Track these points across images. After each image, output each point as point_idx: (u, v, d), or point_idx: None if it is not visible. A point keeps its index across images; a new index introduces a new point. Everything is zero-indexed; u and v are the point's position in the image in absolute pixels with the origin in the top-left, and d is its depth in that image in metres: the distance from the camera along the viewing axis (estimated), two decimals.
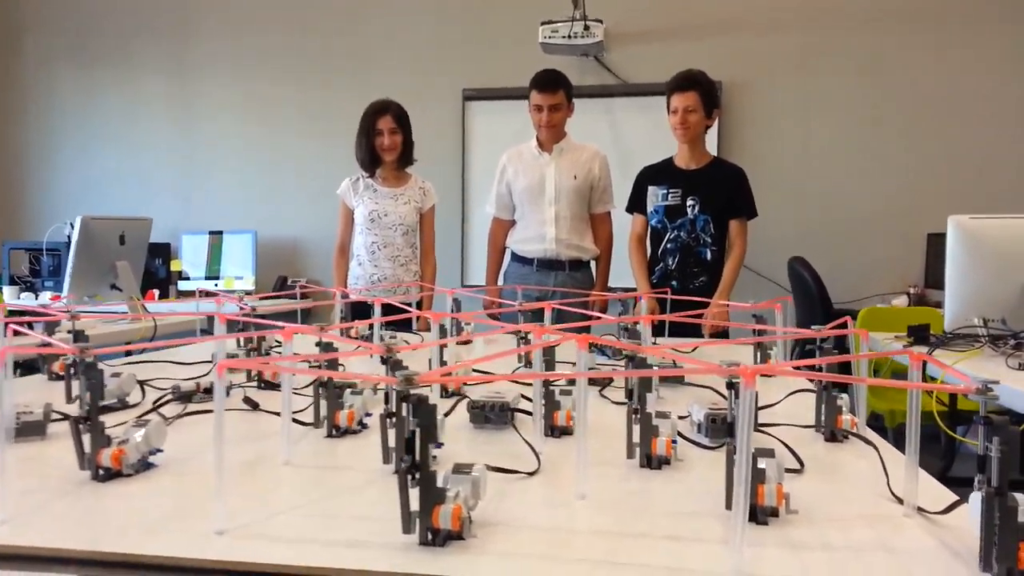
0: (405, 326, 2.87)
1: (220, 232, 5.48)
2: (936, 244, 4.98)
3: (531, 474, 1.09)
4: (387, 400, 1.16)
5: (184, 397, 1.56)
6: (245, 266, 5.40)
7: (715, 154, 3.54)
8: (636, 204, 3.34)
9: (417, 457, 0.81)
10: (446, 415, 1.37)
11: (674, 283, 3.18)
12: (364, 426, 1.34)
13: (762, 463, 0.92)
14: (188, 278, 5.46)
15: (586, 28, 4.50)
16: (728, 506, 0.94)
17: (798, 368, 1.13)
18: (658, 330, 2.70)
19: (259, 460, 1.18)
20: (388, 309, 2.42)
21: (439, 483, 0.84)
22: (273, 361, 1.53)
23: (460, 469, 0.88)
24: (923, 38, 4.98)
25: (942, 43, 4.97)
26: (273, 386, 1.74)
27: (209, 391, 1.59)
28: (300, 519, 0.93)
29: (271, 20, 5.65)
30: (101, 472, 1.04)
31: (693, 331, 2.86)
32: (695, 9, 5.15)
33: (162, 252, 5.42)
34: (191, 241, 5.50)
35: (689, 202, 3.17)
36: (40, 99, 5.98)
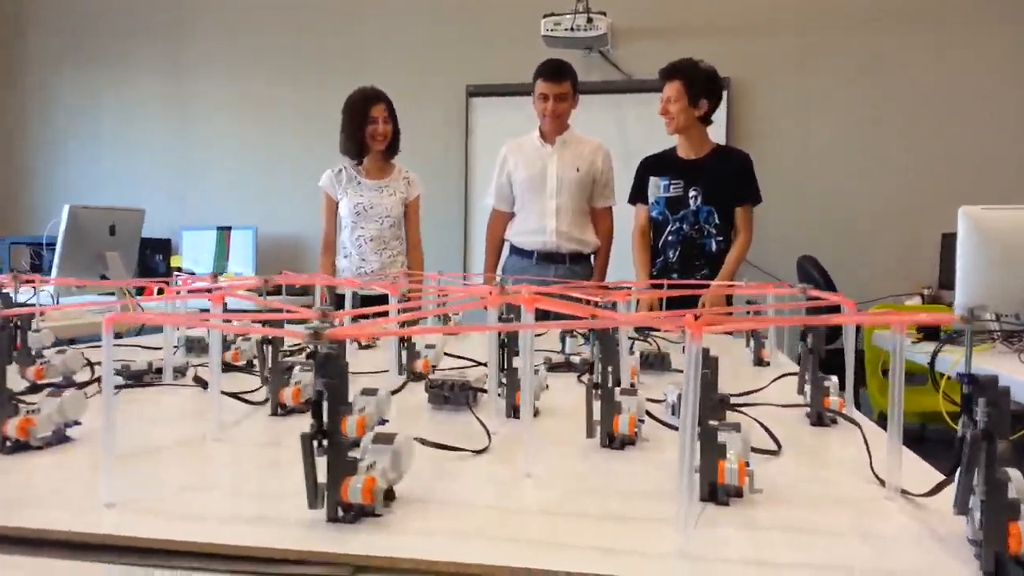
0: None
1: (227, 228, 5.42)
2: (951, 244, 4.83)
3: (479, 452, 0.99)
4: None
5: (133, 376, 1.48)
6: (246, 262, 5.34)
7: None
8: (638, 195, 3.25)
9: (325, 422, 0.72)
10: (395, 392, 1.27)
11: (675, 275, 3.08)
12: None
13: (723, 437, 0.82)
14: (193, 272, 5.39)
15: (589, 20, 4.41)
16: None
17: (749, 314, 1.03)
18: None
19: (190, 438, 1.09)
20: (371, 301, 2.35)
21: (356, 455, 0.75)
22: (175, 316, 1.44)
23: (381, 438, 0.78)
24: (932, 35, 4.87)
25: (954, 40, 4.85)
26: (235, 368, 1.65)
27: (160, 371, 1.50)
28: (207, 495, 0.84)
29: (268, 19, 5.61)
30: (8, 443, 0.95)
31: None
32: (702, 6, 5.05)
33: (162, 248, 5.37)
34: (192, 237, 5.45)
35: (691, 193, 3.07)
36: (40, 97, 5.96)
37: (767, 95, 4.98)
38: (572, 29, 4.47)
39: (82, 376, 1.48)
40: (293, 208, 5.56)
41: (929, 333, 2.67)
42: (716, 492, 0.80)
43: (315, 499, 0.72)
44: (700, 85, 3.06)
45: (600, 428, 1.03)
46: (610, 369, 1.02)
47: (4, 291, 1.42)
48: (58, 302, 3.25)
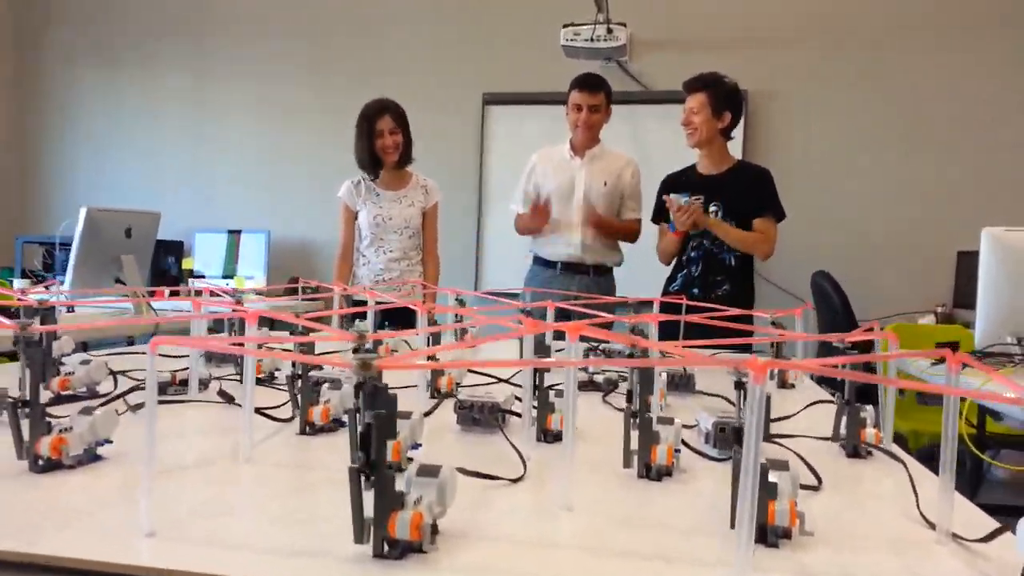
0: (407, 327, 2.74)
1: (239, 231, 5.42)
2: (966, 263, 4.82)
3: (515, 481, 0.98)
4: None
5: (160, 389, 1.46)
6: (258, 266, 5.34)
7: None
8: (661, 213, 3.24)
9: (372, 455, 0.71)
10: (427, 414, 1.26)
11: (695, 290, 3.06)
12: (341, 424, 1.24)
13: (774, 476, 0.80)
14: (204, 276, 5.39)
15: (609, 31, 4.40)
16: (733, 524, 0.82)
17: (820, 367, 1.01)
18: (673, 336, 2.58)
19: (219, 456, 1.07)
20: (392, 313, 2.39)
21: (400, 487, 0.74)
22: (217, 340, 1.42)
23: (425, 471, 0.76)
24: (958, 56, 4.85)
25: (975, 60, 4.84)
26: (257, 381, 1.64)
27: (185, 383, 1.49)
28: (247, 523, 0.82)
29: (287, 24, 5.62)
30: (40, 462, 0.94)
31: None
32: (719, 19, 5.04)
33: (175, 250, 5.37)
34: (205, 239, 5.45)
35: (712, 208, 3.05)
36: (60, 94, 5.97)
37: (785, 109, 4.97)
38: (592, 39, 4.46)
39: (105, 386, 1.47)
40: (306, 212, 5.56)
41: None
42: (766, 534, 0.79)
43: (361, 534, 0.71)
44: (724, 98, 3.05)
45: (637, 458, 1.01)
46: (648, 398, 1.00)
47: (49, 308, 1.40)
48: (71, 307, 3.26)
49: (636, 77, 5.04)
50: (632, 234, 3.41)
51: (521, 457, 1.04)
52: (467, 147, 5.27)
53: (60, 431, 0.95)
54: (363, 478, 0.70)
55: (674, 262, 3.23)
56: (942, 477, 0.81)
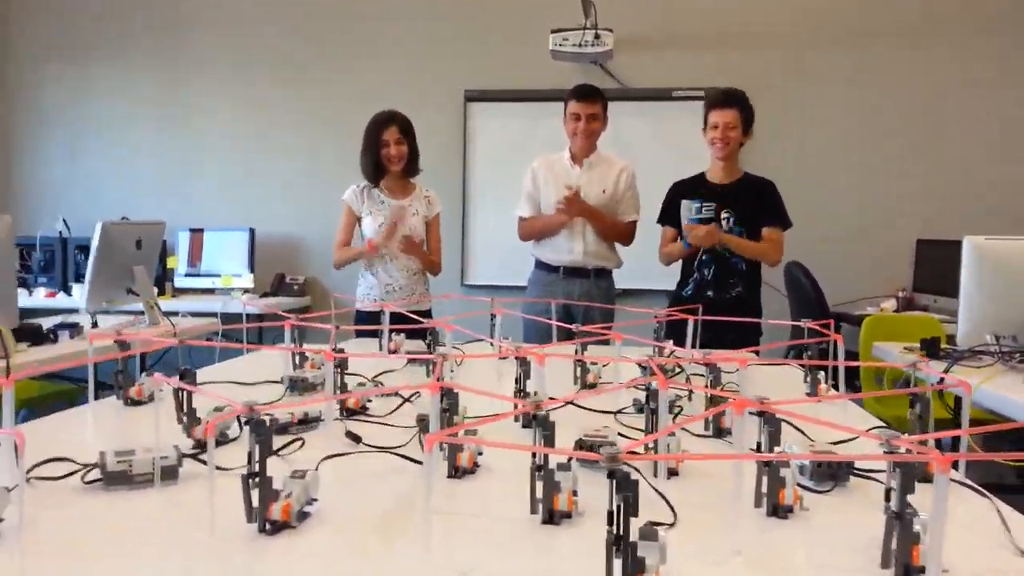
0: (420, 336, 2.83)
1: (201, 230, 5.43)
2: (925, 250, 5.15)
3: (671, 525, 1.15)
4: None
5: (282, 429, 1.59)
6: (243, 264, 5.37)
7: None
8: (667, 217, 3.41)
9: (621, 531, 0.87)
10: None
11: (710, 293, 3.27)
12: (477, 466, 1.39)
13: (918, 525, 0.98)
14: (196, 274, 5.41)
15: (597, 37, 4.55)
16: (885, 564, 1.00)
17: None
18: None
19: (396, 506, 1.22)
20: (402, 318, 2.68)
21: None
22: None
23: (645, 535, 0.93)
24: (912, 51, 5.14)
25: (933, 56, 5.14)
26: (354, 412, 1.78)
27: (305, 422, 1.62)
28: None
29: (266, 20, 5.62)
30: (269, 526, 1.08)
31: (726, 343, 2.95)
32: (695, 18, 5.23)
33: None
34: (187, 238, 5.45)
35: (723, 215, 3.25)
36: (30, 93, 5.87)
37: (757, 107, 5.15)
38: (580, 45, 4.61)
39: (233, 430, 1.59)
40: (290, 209, 5.61)
41: (931, 352, 2.91)
42: (910, 572, 0.98)
43: None
44: (751, 114, 3.25)
45: (766, 499, 1.20)
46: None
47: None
48: (95, 321, 3.31)
49: (614, 75, 5.20)
50: (627, 236, 3.58)
51: (671, 506, 1.21)
52: (450, 144, 5.37)
53: (285, 496, 1.09)
54: None
55: (682, 265, 3.41)
56: None
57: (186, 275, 5.42)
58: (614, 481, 0.87)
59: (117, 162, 5.79)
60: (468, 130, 5.37)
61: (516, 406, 1.65)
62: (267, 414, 1.07)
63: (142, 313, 3.50)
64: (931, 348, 2.95)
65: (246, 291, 5.31)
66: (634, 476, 0.87)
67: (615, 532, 0.87)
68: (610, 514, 0.87)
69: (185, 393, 1.48)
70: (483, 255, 5.37)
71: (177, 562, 1.00)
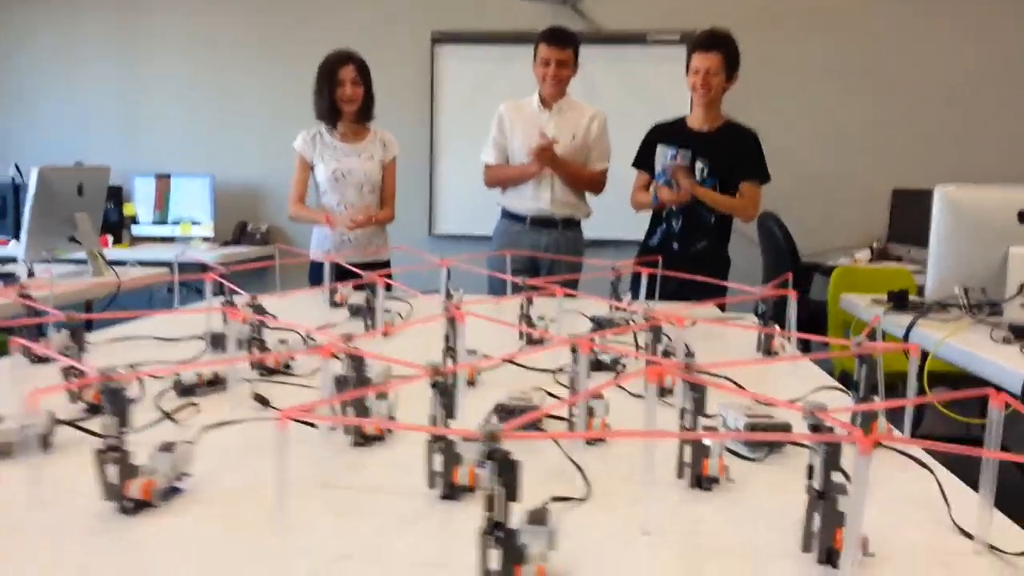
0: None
1: (168, 176, 5.25)
2: (900, 199, 5.05)
3: (582, 500, 1.05)
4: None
5: (186, 391, 1.48)
6: (203, 211, 5.22)
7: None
8: (642, 161, 3.28)
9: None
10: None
11: (675, 245, 3.15)
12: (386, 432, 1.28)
13: (842, 504, 0.89)
14: (153, 222, 5.24)
15: None
16: (806, 548, 0.90)
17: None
18: (651, 294, 2.67)
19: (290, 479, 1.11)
20: (360, 269, 2.40)
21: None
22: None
23: (534, 519, 0.83)
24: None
25: (909, 3, 4.96)
26: (273, 371, 1.66)
27: (213, 383, 1.50)
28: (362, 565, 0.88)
29: None
30: (128, 504, 0.97)
31: (692, 298, 2.85)
32: None
33: (113, 195, 5.19)
34: (145, 184, 5.28)
35: (698, 164, 3.12)
36: None
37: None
38: None
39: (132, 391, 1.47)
40: (251, 155, 5.43)
41: (898, 304, 2.82)
42: (833, 557, 0.88)
43: None
44: (736, 59, 3.10)
45: (690, 471, 1.10)
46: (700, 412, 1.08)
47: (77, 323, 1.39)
48: (31, 270, 3.17)
49: (587, 16, 5.01)
50: (597, 184, 3.45)
51: (586, 478, 1.11)
52: (416, 89, 5.19)
53: (147, 472, 0.98)
54: None
55: (651, 215, 3.30)
56: (981, 493, 0.91)
57: (144, 223, 5.25)
58: (491, 463, 0.76)
59: (71, 106, 5.57)
60: (436, 74, 5.18)
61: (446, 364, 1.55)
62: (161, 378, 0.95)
63: (86, 263, 3.35)
64: (898, 300, 2.86)
65: (206, 240, 5.16)
66: (516, 457, 0.77)
67: (491, 519, 0.76)
68: (488, 499, 0.77)
69: (76, 351, 1.35)
70: (452, 204, 5.22)
71: (11, 541, 0.89)
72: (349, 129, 3.41)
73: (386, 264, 3.46)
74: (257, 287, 2.28)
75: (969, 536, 0.95)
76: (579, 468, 1.13)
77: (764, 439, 1.14)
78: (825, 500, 0.86)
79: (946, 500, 1.03)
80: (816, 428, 0.87)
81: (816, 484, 0.87)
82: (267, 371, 1.67)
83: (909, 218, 4.90)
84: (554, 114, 3.36)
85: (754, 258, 4.72)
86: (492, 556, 0.77)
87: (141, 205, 5.25)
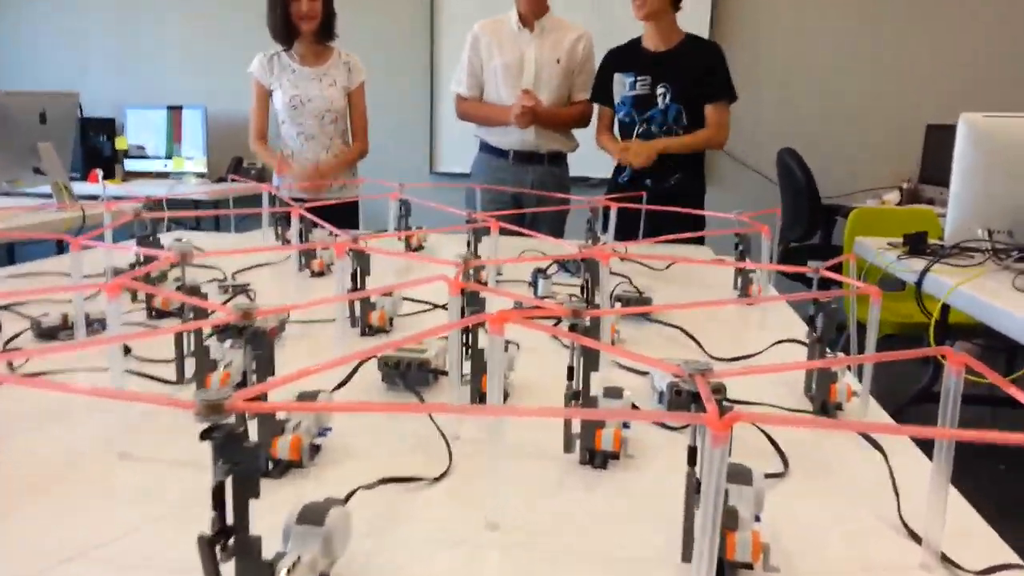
0: (351, 225, 2.51)
1: (178, 107, 5.05)
2: (935, 136, 4.67)
3: (437, 479, 0.84)
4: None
5: (46, 334, 1.29)
6: (195, 145, 5.02)
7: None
8: (601, 93, 2.99)
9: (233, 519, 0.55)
10: (340, 385, 1.09)
11: (648, 181, 2.86)
12: None
13: (734, 498, 0.67)
14: (147, 156, 5.06)
15: None
16: (686, 557, 0.69)
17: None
18: (628, 232, 2.43)
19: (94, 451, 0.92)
20: (325, 211, 2.12)
21: (275, 547, 0.59)
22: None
23: (308, 517, 0.62)
24: None
25: None
26: (164, 314, 1.47)
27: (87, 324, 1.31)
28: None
29: None
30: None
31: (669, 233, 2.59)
32: None
33: (106, 128, 5.03)
34: (138, 116, 5.08)
35: (659, 90, 2.82)
36: None
37: None
38: None
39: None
40: (246, 85, 5.19)
41: (915, 248, 2.55)
42: (724, 569, 0.66)
43: None
44: None
45: (580, 443, 0.88)
46: (592, 375, 0.86)
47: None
48: None
49: None
50: (584, 118, 3.13)
51: (446, 441, 0.90)
52: (415, 14, 4.89)
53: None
54: (219, 548, 0.55)
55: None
56: (931, 489, 0.68)
57: (135, 157, 5.07)
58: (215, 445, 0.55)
59: (58, 36, 5.37)
60: (436, 3, 4.84)
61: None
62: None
63: (50, 196, 3.18)
64: (915, 244, 2.58)
65: (199, 175, 4.98)
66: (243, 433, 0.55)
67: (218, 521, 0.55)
68: (216, 493, 0.55)
69: None
70: (455, 139, 4.94)
71: None
72: (308, 50, 3.12)
73: (356, 203, 3.20)
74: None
75: (918, 540, 0.72)
76: (442, 433, 0.92)
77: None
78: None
79: (896, 491, 0.80)
80: (692, 398, 0.65)
81: (699, 472, 0.65)
82: (159, 314, 1.47)
83: (945, 157, 4.52)
84: (536, 34, 3.03)
85: (772, 199, 4.43)
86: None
87: (138, 139, 5.07)
